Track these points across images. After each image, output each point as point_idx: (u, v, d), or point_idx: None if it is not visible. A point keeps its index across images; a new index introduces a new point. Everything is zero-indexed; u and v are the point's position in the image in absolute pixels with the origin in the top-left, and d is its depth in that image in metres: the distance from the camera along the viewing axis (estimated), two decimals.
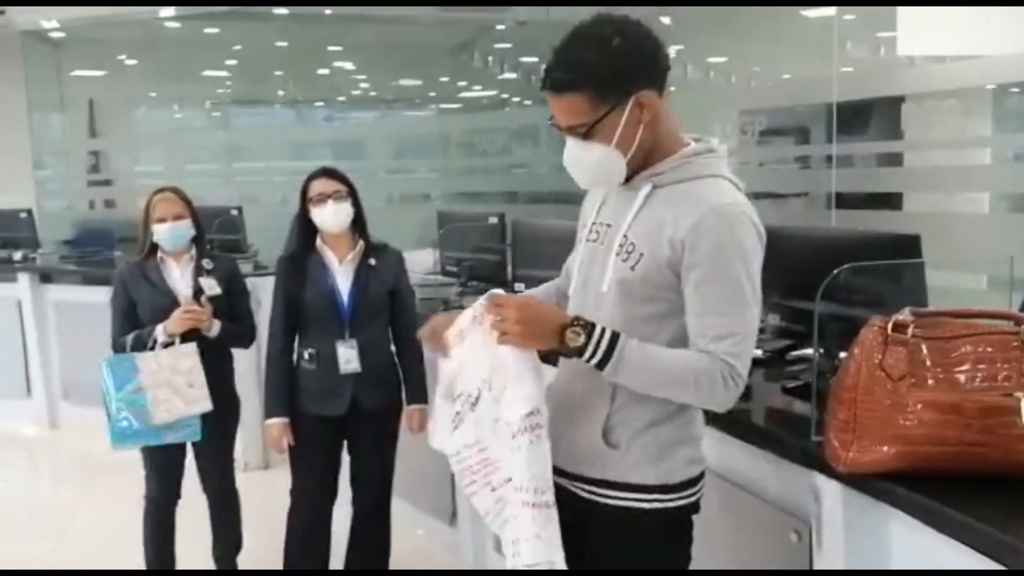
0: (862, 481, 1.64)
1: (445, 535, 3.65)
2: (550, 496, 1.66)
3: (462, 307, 3.53)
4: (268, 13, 8.28)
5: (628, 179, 1.76)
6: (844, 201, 5.19)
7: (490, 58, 9.44)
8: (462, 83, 9.91)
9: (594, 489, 1.79)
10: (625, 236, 1.73)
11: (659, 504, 1.75)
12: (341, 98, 10.04)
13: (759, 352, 2.28)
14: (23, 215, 6.12)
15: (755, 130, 5.76)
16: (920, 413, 1.49)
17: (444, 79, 9.86)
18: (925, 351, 1.50)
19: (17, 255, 5.94)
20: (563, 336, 1.64)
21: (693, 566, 1.85)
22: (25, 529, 4.29)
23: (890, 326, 1.52)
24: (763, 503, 2.05)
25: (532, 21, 8.16)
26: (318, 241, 3.10)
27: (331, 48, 9.35)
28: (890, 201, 5.45)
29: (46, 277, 5.83)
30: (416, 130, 9.83)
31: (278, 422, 3.05)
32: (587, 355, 1.64)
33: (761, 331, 2.25)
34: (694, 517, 1.83)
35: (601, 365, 1.64)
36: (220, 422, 3.20)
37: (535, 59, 9.01)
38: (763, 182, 5.77)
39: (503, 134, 9.09)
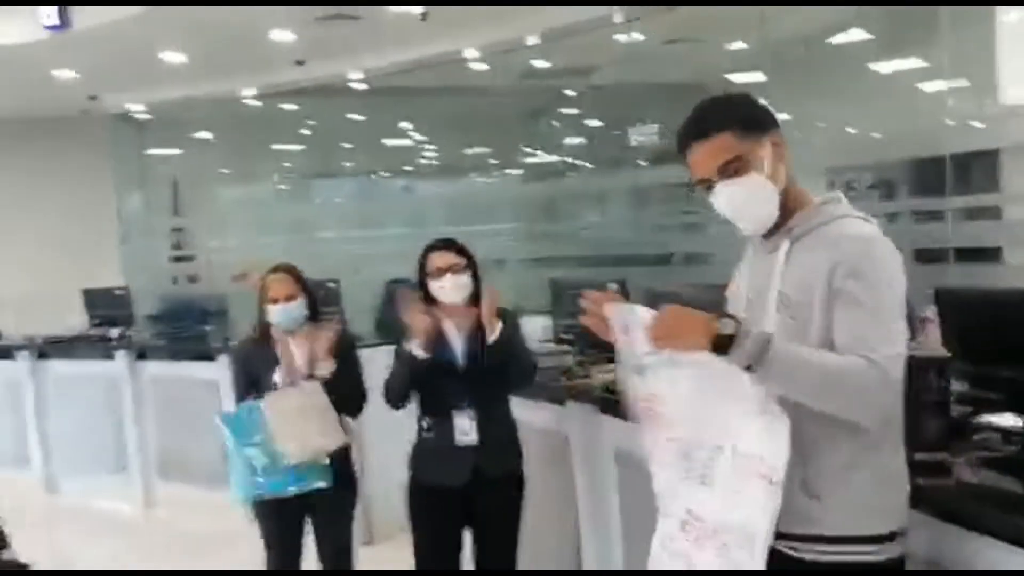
0: None
1: None
2: None
3: (587, 376, 3.48)
4: (345, 88, 8.43)
5: (767, 239, 1.84)
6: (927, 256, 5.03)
7: (557, 124, 9.52)
8: (528, 149, 9.99)
9: (798, 545, 1.75)
10: (780, 292, 1.79)
11: (868, 556, 1.71)
12: (409, 168, 10.22)
13: None
14: (119, 292, 6.21)
15: (862, 186, 5.64)
16: None
17: (514, 146, 9.92)
18: None
19: (114, 332, 6.01)
20: (711, 327, 1.66)
21: None
22: None
23: None
24: None
25: (606, 86, 8.19)
26: (437, 311, 3.05)
27: (405, 121, 9.52)
28: (986, 255, 5.28)
29: (142, 354, 5.88)
30: (483, 195, 9.91)
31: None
32: (738, 345, 1.65)
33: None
34: None
35: (753, 362, 1.64)
36: (339, 493, 3.14)
37: (599, 123, 9.08)
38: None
39: (579, 199, 9.07)
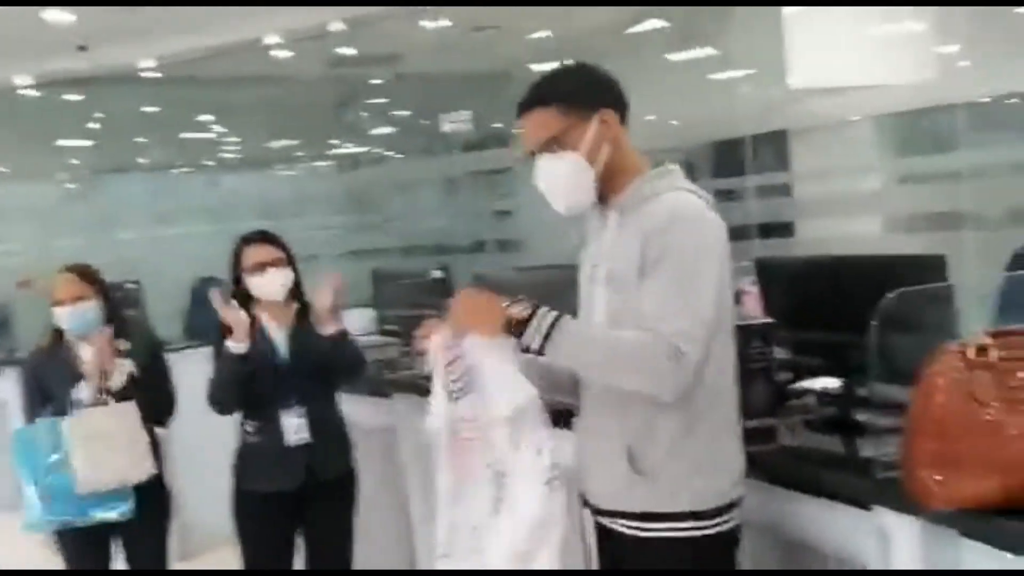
0: (952, 517, 1.55)
1: None
2: None
3: (413, 368, 3.38)
4: (136, 77, 7.90)
5: (601, 213, 1.85)
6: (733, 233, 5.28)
7: (364, 114, 9.36)
8: (335, 140, 9.78)
9: (630, 523, 1.78)
10: (606, 266, 1.81)
11: (701, 531, 1.73)
12: (210, 162, 9.76)
13: None
14: None
15: None
16: (1021, 439, 1.42)
17: (322, 137, 9.68)
18: (1015, 374, 1.44)
19: None
20: (509, 310, 1.71)
21: None
22: None
23: (972, 350, 1.45)
24: (811, 550, 1.95)
25: (414, 74, 8.10)
26: (255, 309, 2.88)
27: (204, 112, 9.06)
28: (777, 231, 5.62)
29: None
30: (293, 189, 9.60)
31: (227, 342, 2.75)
32: (532, 327, 1.68)
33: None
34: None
35: (544, 340, 1.67)
36: (150, 512, 2.89)
37: (408, 113, 9.01)
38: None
39: (391, 190, 8.95)
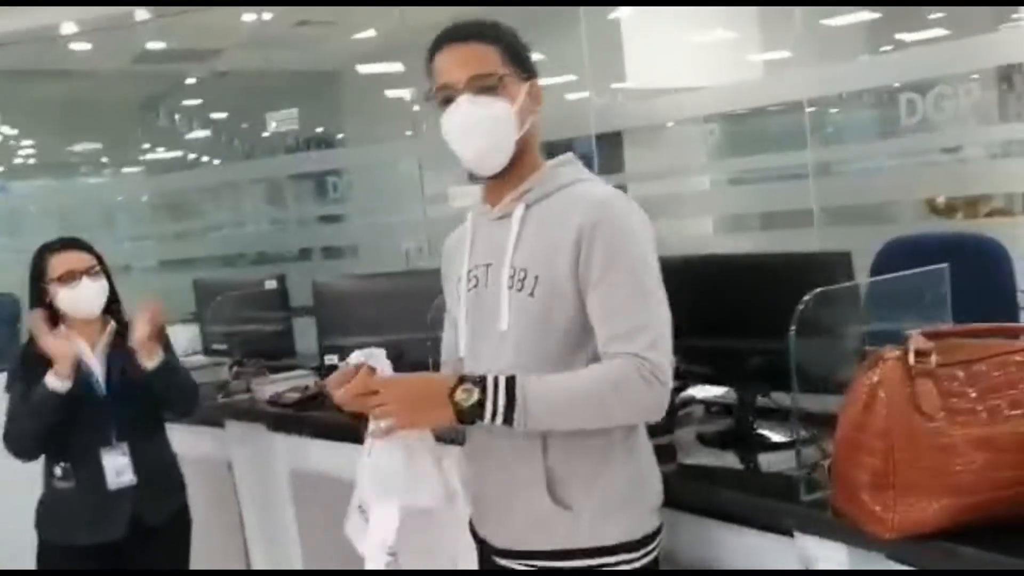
0: (907, 546, 1.39)
1: None
2: None
3: (249, 391, 3.03)
4: None
5: (494, 206, 1.65)
6: None
7: (178, 116, 8.76)
8: (146, 144, 9.12)
9: (550, 564, 1.55)
10: (512, 266, 1.58)
11: (626, 565, 1.54)
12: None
13: None
14: None
15: None
16: (971, 454, 1.29)
17: (130, 140, 8.98)
18: (958, 381, 1.32)
19: None
20: (453, 398, 1.46)
21: None
22: None
23: (911, 356, 1.32)
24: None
25: (233, 72, 7.61)
26: (62, 328, 2.48)
27: None
28: None
29: None
30: (99, 197, 8.86)
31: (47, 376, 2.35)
32: (488, 411, 1.45)
33: None
34: None
35: (508, 418, 1.45)
36: None
37: (225, 115, 8.49)
38: None
39: (206, 195, 8.40)
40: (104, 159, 9.22)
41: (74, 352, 2.36)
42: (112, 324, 2.54)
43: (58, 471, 2.47)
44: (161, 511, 2.53)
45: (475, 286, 1.65)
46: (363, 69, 7.21)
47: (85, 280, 2.44)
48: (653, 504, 1.62)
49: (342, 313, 2.87)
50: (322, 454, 2.65)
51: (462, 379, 1.48)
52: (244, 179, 7.86)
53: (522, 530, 1.59)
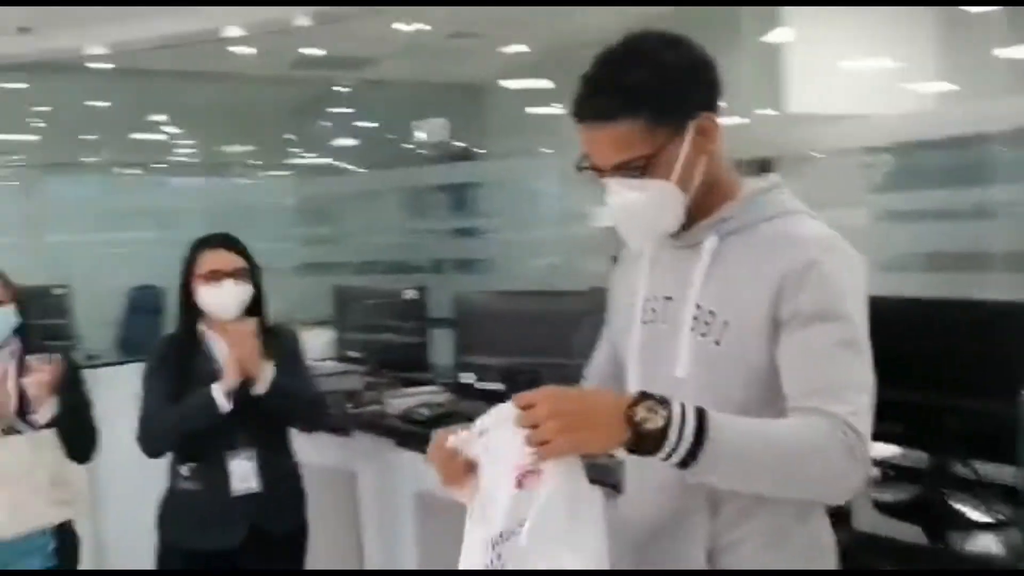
0: None
1: None
2: None
3: (379, 403, 2.95)
4: (83, 66, 7.38)
5: (678, 234, 1.42)
6: None
7: (329, 123, 8.97)
8: (296, 149, 9.39)
9: None
10: (698, 306, 1.37)
11: None
12: (162, 164, 9.28)
13: None
14: None
15: None
16: None
17: (282, 144, 9.27)
18: None
19: None
20: (633, 417, 1.18)
21: None
22: None
23: None
24: None
25: (385, 81, 7.71)
26: (202, 326, 2.44)
27: (155, 112, 8.57)
28: None
29: None
30: (248, 197, 9.17)
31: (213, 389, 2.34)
32: (671, 440, 1.17)
33: None
34: None
35: (692, 454, 1.17)
36: (61, 553, 2.46)
37: (374, 124, 8.62)
38: None
39: (349, 201, 8.56)
40: (256, 161, 9.55)
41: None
42: (253, 328, 2.48)
43: (185, 471, 2.44)
44: (281, 521, 2.47)
45: (651, 320, 1.45)
46: (510, 84, 7.16)
47: (228, 282, 2.41)
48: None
49: (482, 330, 2.74)
50: None
51: (644, 395, 1.21)
52: (385, 188, 7.97)
53: None
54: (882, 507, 1.72)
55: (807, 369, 1.27)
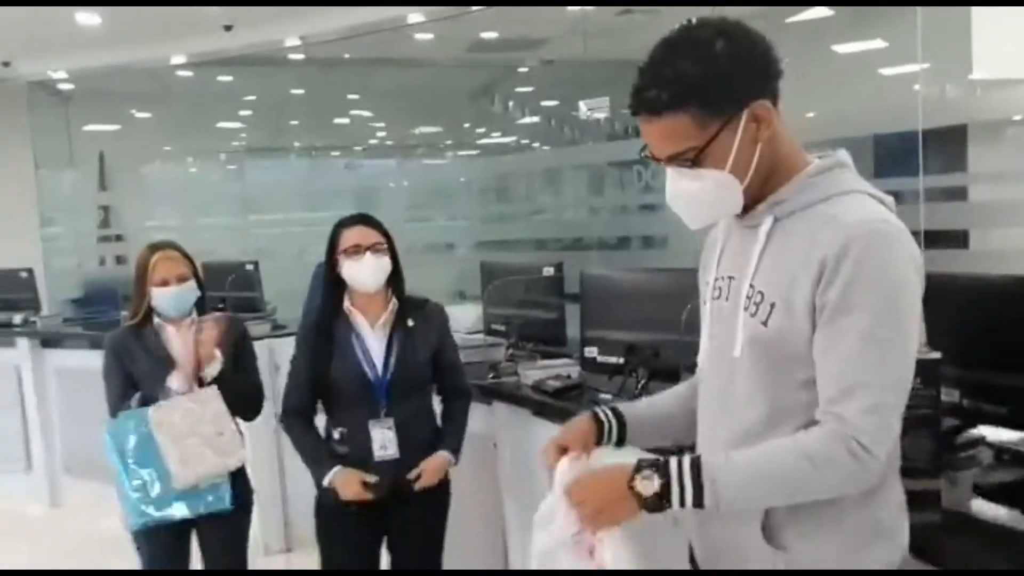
0: None
1: None
2: None
3: (516, 374, 3.09)
4: (284, 59, 7.96)
5: (745, 213, 1.43)
6: None
7: (511, 103, 9.16)
8: (481, 129, 9.66)
9: None
10: (751, 286, 1.42)
11: None
12: (358, 147, 9.81)
13: None
14: (23, 274, 5.71)
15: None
16: None
17: (465, 125, 9.60)
18: None
19: (17, 318, 5.52)
20: (634, 489, 1.37)
21: None
22: None
23: None
24: None
25: (560, 61, 7.82)
26: (346, 301, 2.65)
27: (350, 96, 9.10)
28: (952, 239, 4.98)
29: (47, 342, 5.41)
30: (435, 177, 9.55)
31: (338, 471, 2.59)
32: (675, 496, 1.34)
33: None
34: None
35: (698, 502, 1.33)
36: (232, 513, 2.73)
37: (556, 102, 8.73)
38: None
39: (528, 179, 8.74)
40: (447, 142, 9.93)
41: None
42: (394, 302, 2.68)
43: (336, 435, 2.66)
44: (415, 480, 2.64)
45: (718, 297, 1.50)
46: None
47: (368, 255, 2.59)
48: (889, 559, 1.40)
49: (604, 306, 2.82)
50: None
51: (639, 466, 1.37)
52: (566, 165, 8.09)
53: (731, 561, 1.46)
54: (983, 490, 1.66)
55: (828, 367, 1.30)
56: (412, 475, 2.61)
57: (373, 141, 10.07)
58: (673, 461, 1.35)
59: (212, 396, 2.65)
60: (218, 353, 2.69)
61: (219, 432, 2.63)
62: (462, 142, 9.85)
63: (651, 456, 1.40)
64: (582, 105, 6.21)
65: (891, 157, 5.45)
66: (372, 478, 2.56)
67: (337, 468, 2.58)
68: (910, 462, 1.46)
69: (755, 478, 1.33)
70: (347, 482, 2.56)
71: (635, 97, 1.40)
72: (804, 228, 1.36)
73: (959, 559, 1.49)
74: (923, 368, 1.50)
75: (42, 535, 5.11)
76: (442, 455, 2.66)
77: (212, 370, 2.68)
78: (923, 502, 1.48)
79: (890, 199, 1.40)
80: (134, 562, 2.82)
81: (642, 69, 1.40)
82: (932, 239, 4.67)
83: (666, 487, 1.34)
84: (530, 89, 9.03)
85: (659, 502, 1.35)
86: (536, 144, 9.46)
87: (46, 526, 5.25)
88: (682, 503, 1.33)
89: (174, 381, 2.66)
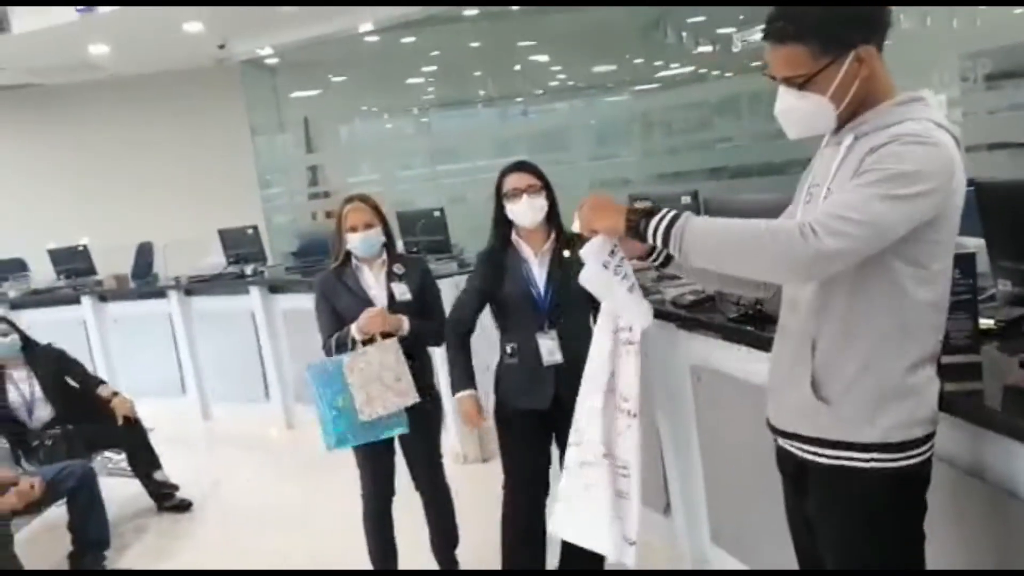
0: None
1: (660, 525, 3.55)
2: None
3: (660, 292, 3.43)
4: (459, 15, 8.42)
5: (833, 134, 1.76)
6: None
7: (684, 33, 9.15)
8: (658, 63, 9.70)
9: (808, 448, 1.77)
10: (829, 188, 1.70)
11: (877, 464, 1.67)
12: (539, 91, 10.13)
13: (990, 322, 2.01)
14: (250, 231, 6.55)
15: (978, 74, 5.12)
16: None
17: (638, 60, 9.67)
18: None
19: (248, 269, 6.37)
20: (629, 212, 1.76)
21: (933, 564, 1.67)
22: (267, 524, 4.60)
23: None
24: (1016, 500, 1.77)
25: None
26: (513, 235, 3.09)
27: (524, 43, 9.42)
28: None
29: (275, 288, 6.22)
30: (614, 114, 9.73)
31: (466, 394, 3.10)
32: (655, 221, 1.70)
33: (991, 298, 2.02)
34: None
35: (667, 234, 1.68)
36: (424, 419, 3.27)
37: (732, 30, 8.69)
38: (995, 131, 5.20)
39: (702, 110, 8.80)
40: (626, 78, 10.05)
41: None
42: (552, 236, 3.09)
43: (508, 348, 3.12)
44: (577, 389, 3.05)
45: (809, 202, 1.79)
46: None
47: (525, 197, 3.01)
48: (920, 415, 1.66)
49: None
50: (719, 354, 2.96)
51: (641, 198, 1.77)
52: (743, 93, 8.08)
53: (791, 416, 1.79)
54: None
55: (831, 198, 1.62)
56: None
57: (554, 83, 10.36)
58: (667, 208, 1.72)
59: (392, 348, 3.18)
60: (405, 322, 3.22)
61: (397, 378, 3.18)
62: (638, 77, 9.92)
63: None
64: (735, 36, 6.27)
65: None
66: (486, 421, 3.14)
67: (471, 391, 3.09)
68: (953, 339, 1.73)
69: (716, 228, 1.65)
70: (471, 409, 3.09)
71: (768, 25, 1.71)
72: (872, 142, 1.63)
73: (1005, 419, 1.73)
74: (961, 261, 1.76)
75: (281, 452, 5.99)
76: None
77: (404, 331, 3.22)
78: (964, 373, 1.73)
79: (956, 130, 1.64)
80: (352, 475, 3.40)
81: (777, 4, 1.72)
82: None
83: (652, 212, 1.71)
84: (702, 19, 9.01)
85: (640, 221, 1.72)
86: (716, 72, 9.41)
87: (283, 445, 6.12)
88: (656, 231, 1.69)
89: (356, 333, 3.16)
